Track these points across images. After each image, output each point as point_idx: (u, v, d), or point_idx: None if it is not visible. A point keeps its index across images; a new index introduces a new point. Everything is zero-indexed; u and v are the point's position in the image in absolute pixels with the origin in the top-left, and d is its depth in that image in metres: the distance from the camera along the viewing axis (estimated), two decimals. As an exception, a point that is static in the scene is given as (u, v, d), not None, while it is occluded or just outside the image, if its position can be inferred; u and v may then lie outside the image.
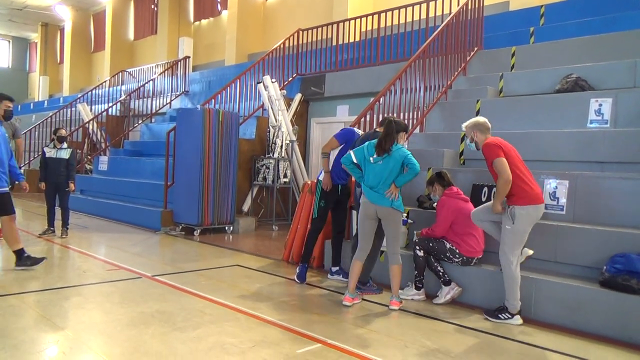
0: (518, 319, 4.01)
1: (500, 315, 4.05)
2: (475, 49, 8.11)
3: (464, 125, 4.43)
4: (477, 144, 4.28)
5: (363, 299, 4.56)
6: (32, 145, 14.49)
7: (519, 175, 4.00)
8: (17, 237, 5.22)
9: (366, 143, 4.49)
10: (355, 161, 4.45)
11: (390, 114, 6.52)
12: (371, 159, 4.35)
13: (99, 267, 5.52)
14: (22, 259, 5.22)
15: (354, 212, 5.34)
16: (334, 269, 5.38)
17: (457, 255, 4.49)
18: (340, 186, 5.22)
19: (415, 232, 4.85)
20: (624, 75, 5.98)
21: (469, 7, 7.94)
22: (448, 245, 4.51)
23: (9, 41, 29.90)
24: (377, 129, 5.11)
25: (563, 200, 4.69)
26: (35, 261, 5.25)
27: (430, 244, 4.56)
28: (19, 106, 25.40)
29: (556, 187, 4.73)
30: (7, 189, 5.15)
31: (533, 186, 4.05)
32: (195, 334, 3.54)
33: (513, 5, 9.79)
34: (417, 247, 4.60)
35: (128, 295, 4.46)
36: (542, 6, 8.91)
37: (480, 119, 4.36)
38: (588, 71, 6.22)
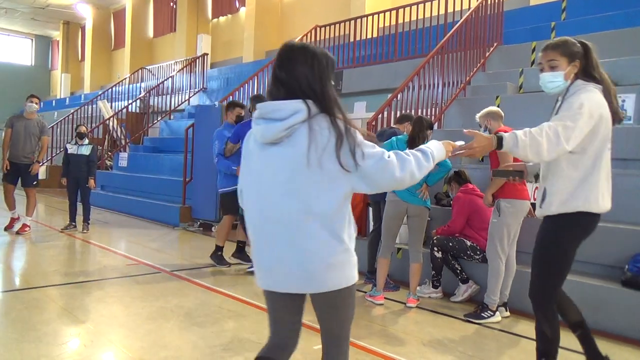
0: (498, 316, 4.01)
1: (482, 315, 4.00)
2: (495, 44, 8.01)
3: (477, 115, 4.42)
4: (491, 131, 4.22)
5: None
6: (54, 141, 14.75)
7: None
8: (226, 235, 5.62)
9: (393, 139, 4.45)
10: None
11: (406, 111, 6.50)
12: None
13: (119, 262, 5.61)
14: (217, 256, 5.58)
15: (370, 209, 5.33)
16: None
17: (478, 252, 4.44)
18: None
19: (431, 232, 4.80)
20: (648, 70, 5.84)
21: (489, 2, 7.85)
22: (469, 243, 4.48)
23: (32, 39, 30.44)
24: (393, 126, 5.08)
25: (584, 198, 4.61)
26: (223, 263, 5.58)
27: (450, 244, 4.52)
28: (42, 103, 25.84)
29: (577, 185, 4.66)
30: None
31: (522, 183, 3.99)
32: (214, 329, 3.58)
33: (534, 0, 9.64)
34: (435, 248, 4.56)
35: (147, 289, 4.52)
36: (563, 0, 8.75)
37: (493, 108, 4.35)
38: (611, 66, 6.07)
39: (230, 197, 5.33)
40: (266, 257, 1.83)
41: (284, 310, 1.96)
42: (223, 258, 5.55)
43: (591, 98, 2.43)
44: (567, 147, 2.34)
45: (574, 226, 2.55)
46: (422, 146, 1.88)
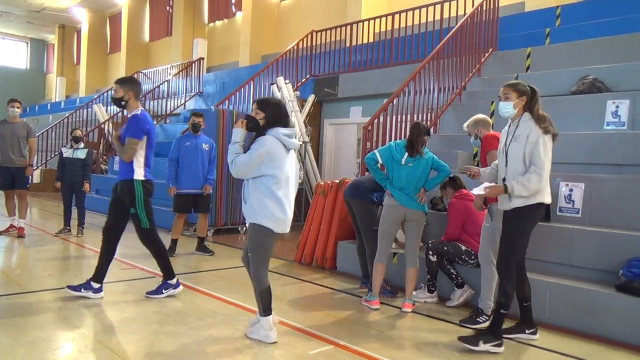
0: None
1: (478, 320, 3.98)
2: (490, 50, 8.06)
3: (465, 125, 4.45)
4: (481, 138, 4.32)
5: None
6: (50, 145, 14.71)
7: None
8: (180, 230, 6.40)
9: (392, 143, 4.48)
10: (381, 162, 4.44)
11: (403, 116, 6.52)
12: (402, 160, 4.32)
13: (114, 267, 5.55)
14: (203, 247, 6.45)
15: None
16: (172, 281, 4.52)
17: (473, 257, 4.44)
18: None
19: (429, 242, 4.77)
20: (642, 76, 5.89)
21: (484, 8, 7.90)
22: (463, 248, 4.48)
23: (27, 43, 30.35)
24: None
25: (579, 203, 4.63)
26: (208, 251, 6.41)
27: (445, 248, 4.53)
28: (37, 107, 25.78)
29: (572, 190, 4.68)
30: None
31: None
32: (209, 334, 3.57)
33: (528, 6, 9.71)
34: (430, 252, 4.56)
35: (142, 294, 4.50)
36: (558, 7, 8.82)
37: (481, 115, 4.40)
38: (605, 72, 6.14)
39: (184, 198, 6.27)
40: (289, 213, 3.40)
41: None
42: (173, 248, 6.20)
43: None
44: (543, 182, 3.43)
45: (528, 215, 3.50)
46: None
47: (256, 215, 3.32)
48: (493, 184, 3.60)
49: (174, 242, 6.26)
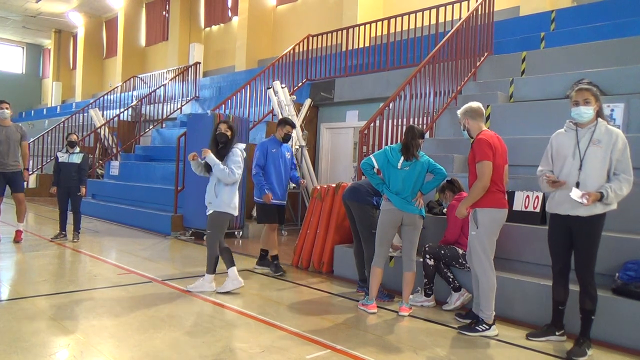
0: (494, 330, 3.89)
1: (477, 328, 3.89)
2: (486, 54, 8.09)
3: (458, 112, 4.31)
4: (470, 131, 4.10)
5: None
6: (45, 150, 14.66)
7: (492, 180, 3.86)
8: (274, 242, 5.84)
9: (387, 147, 4.48)
10: (377, 167, 4.44)
11: (399, 120, 6.53)
12: (398, 164, 4.32)
13: (110, 272, 5.56)
14: (271, 264, 5.78)
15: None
16: None
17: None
18: None
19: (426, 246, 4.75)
20: (636, 80, 5.92)
21: (479, 13, 7.93)
22: (460, 252, 4.48)
23: (23, 47, 30.32)
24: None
25: (574, 206, 4.63)
26: (278, 270, 5.70)
27: (442, 251, 4.53)
28: (33, 111, 25.73)
29: (567, 193, 4.68)
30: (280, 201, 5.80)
31: (500, 192, 3.92)
32: (205, 339, 3.56)
33: (523, 11, 9.77)
34: (427, 256, 4.56)
35: (138, 299, 4.48)
36: (552, 11, 8.88)
37: (473, 104, 4.14)
38: (599, 76, 6.17)
39: (268, 208, 5.71)
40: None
41: None
42: (279, 266, 5.73)
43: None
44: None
45: (604, 220, 3.61)
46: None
47: (224, 206, 4.69)
48: (585, 192, 3.43)
49: (276, 257, 5.79)
